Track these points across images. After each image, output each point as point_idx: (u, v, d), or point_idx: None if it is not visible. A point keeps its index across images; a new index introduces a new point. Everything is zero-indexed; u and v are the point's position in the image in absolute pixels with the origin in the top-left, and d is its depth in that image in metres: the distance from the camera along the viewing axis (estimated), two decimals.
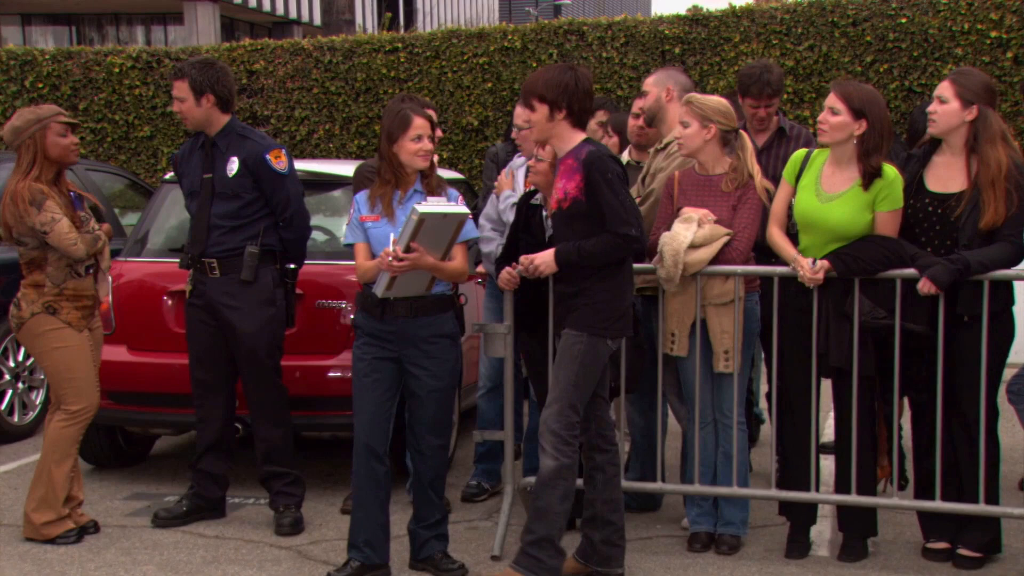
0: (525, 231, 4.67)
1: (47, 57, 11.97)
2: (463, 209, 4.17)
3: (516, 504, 4.80)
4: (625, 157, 5.41)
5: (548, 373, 4.47)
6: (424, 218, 4.04)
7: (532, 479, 4.85)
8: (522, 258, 4.28)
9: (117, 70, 11.77)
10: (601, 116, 5.96)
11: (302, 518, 5.02)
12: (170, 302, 5.51)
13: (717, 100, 4.65)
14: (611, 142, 5.55)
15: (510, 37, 11.09)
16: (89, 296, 4.81)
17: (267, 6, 33.55)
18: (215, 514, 5.12)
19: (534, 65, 10.86)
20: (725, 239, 4.51)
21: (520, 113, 5.21)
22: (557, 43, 10.97)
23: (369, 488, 4.30)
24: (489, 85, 11.09)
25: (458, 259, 4.27)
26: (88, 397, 4.79)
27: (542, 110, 4.11)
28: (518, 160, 5.32)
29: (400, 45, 11.36)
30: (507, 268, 4.53)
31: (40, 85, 11.84)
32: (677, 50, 10.67)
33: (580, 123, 4.16)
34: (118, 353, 5.48)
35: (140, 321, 5.58)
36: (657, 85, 4.99)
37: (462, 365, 4.43)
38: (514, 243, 4.67)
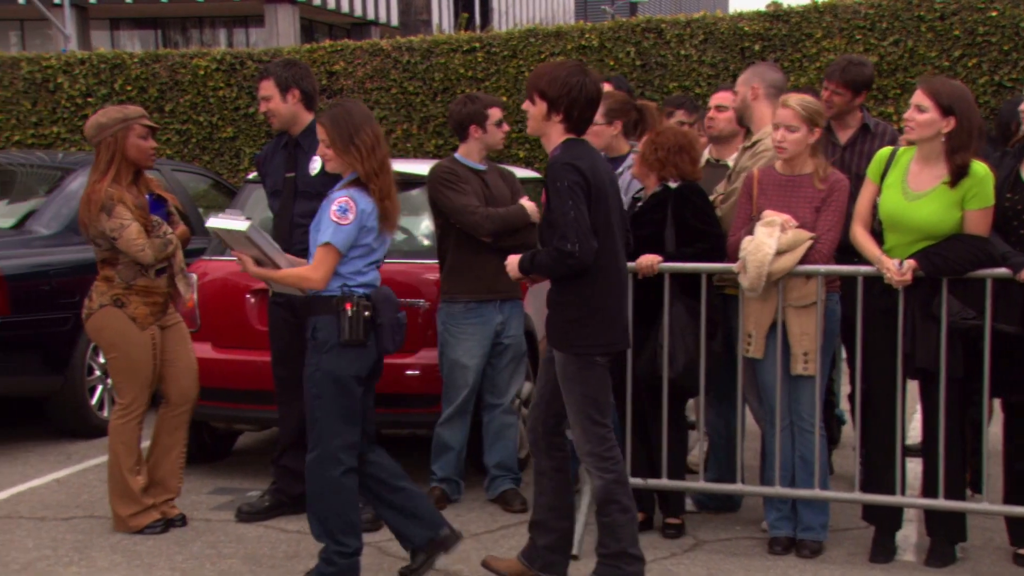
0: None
1: (136, 60, 12.26)
2: (237, 226, 4.09)
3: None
4: (706, 155, 5.37)
5: (623, 361, 4.57)
6: (214, 231, 4.26)
7: None
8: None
9: (202, 72, 12.00)
10: (682, 116, 5.93)
11: None
12: (253, 300, 5.60)
13: (816, 102, 4.60)
14: (703, 142, 5.52)
15: (587, 35, 11.06)
16: (161, 293, 4.89)
17: (345, 7, 33.91)
18: (296, 509, 5.19)
19: (611, 64, 10.83)
20: (809, 243, 4.44)
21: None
22: (635, 41, 10.91)
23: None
24: None
25: (300, 266, 4.14)
26: (139, 393, 4.87)
27: (540, 106, 3.97)
28: None
29: (477, 45, 11.40)
30: (646, 256, 4.55)
31: (128, 88, 12.13)
32: (757, 47, 10.54)
33: (576, 129, 4.00)
34: (203, 350, 5.57)
35: (224, 319, 5.68)
36: (744, 84, 5.00)
37: (323, 372, 4.09)
38: None
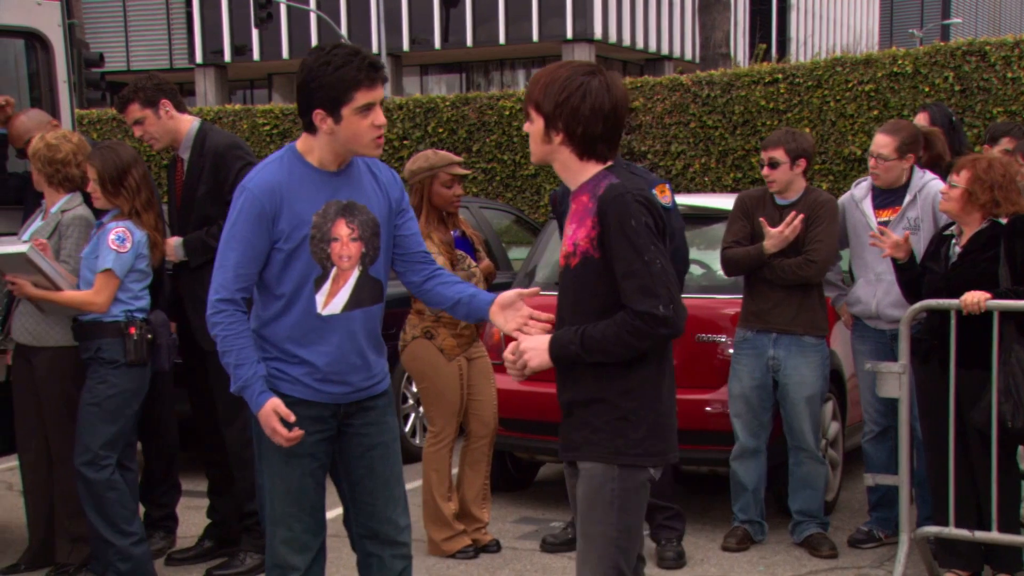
0: (932, 261, 4.51)
1: (447, 103, 12.95)
2: (17, 248, 4.37)
3: (912, 553, 4.51)
4: None
5: (943, 407, 4.32)
6: None
7: (928, 528, 4.55)
8: (510, 346, 2.96)
9: (507, 112, 12.49)
10: (1007, 143, 5.57)
11: (684, 552, 5.00)
12: None
13: None
14: None
15: (900, 62, 10.58)
16: (467, 326, 5.07)
17: (640, 43, 34.27)
18: None
19: (927, 90, 10.29)
20: None
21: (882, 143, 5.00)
22: (954, 65, 10.31)
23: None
24: (875, 112, 10.62)
25: (85, 290, 4.43)
26: (447, 421, 5.04)
27: (537, 123, 2.90)
28: (859, 189, 5.15)
29: (780, 76, 11.18)
30: (973, 293, 4.24)
31: (440, 130, 12.82)
32: None
33: (588, 152, 2.90)
34: (507, 381, 5.71)
35: None
36: None
37: (114, 390, 4.46)
38: (922, 274, 4.52)
